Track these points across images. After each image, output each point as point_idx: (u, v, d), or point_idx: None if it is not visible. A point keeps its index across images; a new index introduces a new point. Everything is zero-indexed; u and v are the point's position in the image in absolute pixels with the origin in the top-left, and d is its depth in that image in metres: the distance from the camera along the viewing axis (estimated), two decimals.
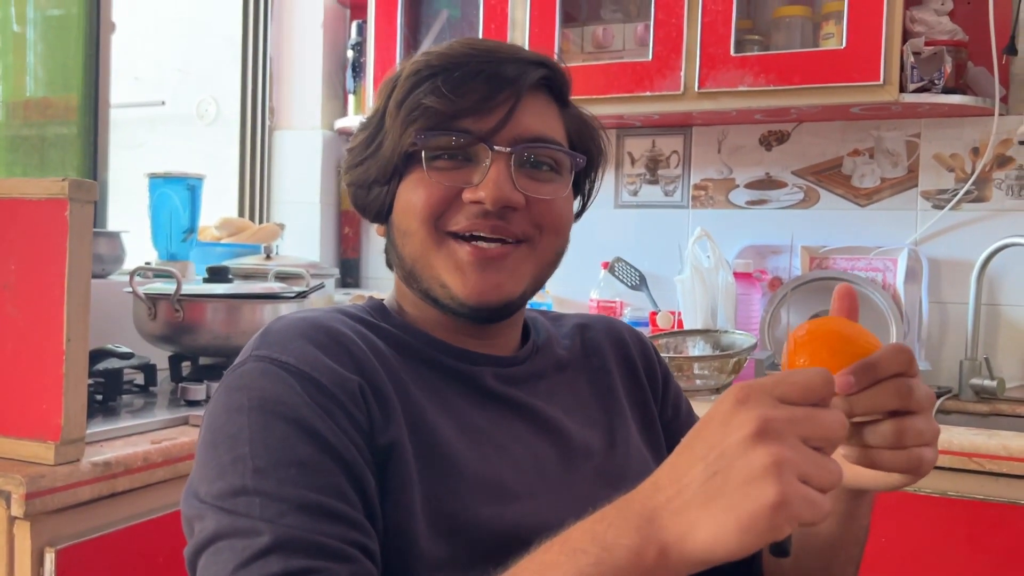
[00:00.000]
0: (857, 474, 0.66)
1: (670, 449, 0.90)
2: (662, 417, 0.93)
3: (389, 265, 0.86)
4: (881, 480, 0.65)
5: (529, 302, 0.84)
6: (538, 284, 0.82)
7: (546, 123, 0.80)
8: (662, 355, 1.00)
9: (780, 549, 0.53)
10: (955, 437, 1.45)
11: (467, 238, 0.77)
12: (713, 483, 0.51)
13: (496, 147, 0.76)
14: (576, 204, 0.88)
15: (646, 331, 2.12)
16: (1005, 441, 1.44)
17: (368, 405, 0.71)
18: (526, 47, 2.16)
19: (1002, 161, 1.99)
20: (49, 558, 1.13)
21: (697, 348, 1.98)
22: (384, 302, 0.86)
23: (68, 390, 1.13)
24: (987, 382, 1.91)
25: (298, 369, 0.70)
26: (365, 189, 0.82)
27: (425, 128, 0.76)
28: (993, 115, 1.92)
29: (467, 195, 0.76)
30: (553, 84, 0.82)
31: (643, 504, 0.54)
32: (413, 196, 0.78)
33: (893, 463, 0.60)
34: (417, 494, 0.70)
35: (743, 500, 0.49)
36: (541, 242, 0.80)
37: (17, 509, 1.09)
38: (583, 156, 0.83)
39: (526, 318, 0.90)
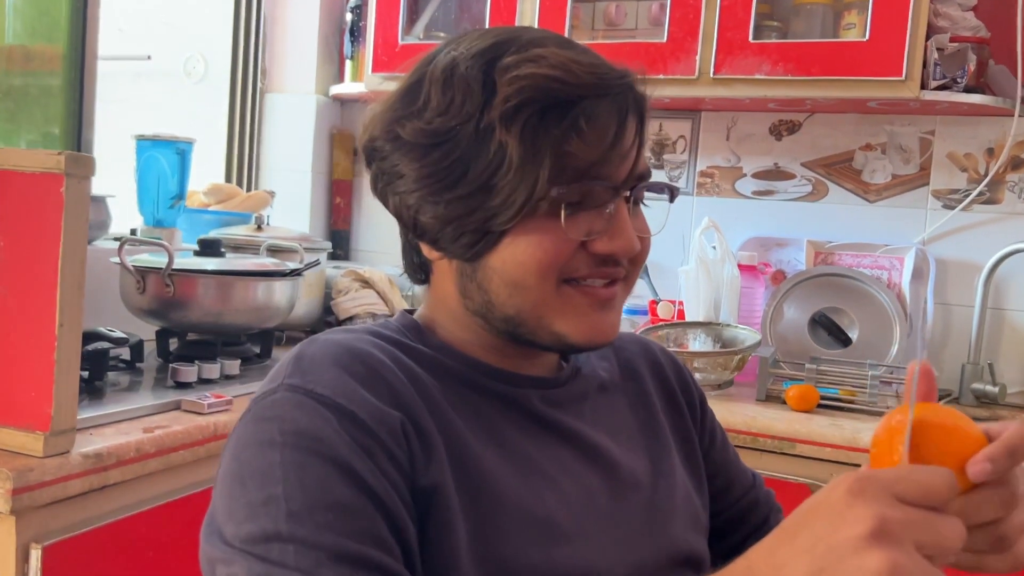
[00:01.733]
0: None
1: (708, 479, 0.88)
2: (701, 443, 0.88)
3: (418, 279, 0.79)
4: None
5: None
6: None
7: (643, 151, 0.73)
8: (665, 347, 0.95)
9: None
10: None
11: (576, 280, 0.71)
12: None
13: (620, 191, 0.70)
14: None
15: (645, 320, 2.07)
16: None
17: (409, 443, 0.65)
18: (536, 22, 2.10)
19: (1017, 163, 1.95)
20: (35, 555, 1.06)
21: (698, 341, 1.94)
22: (417, 318, 0.79)
23: (60, 378, 1.06)
24: (988, 387, 1.89)
25: (335, 403, 0.64)
26: (453, 229, 0.70)
27: (571, 180, 0.67)
28: (1012, 116, 1.88)
29: (600, 247, 0.69)
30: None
31: None
32: (537, 251, 0.68)
33: (1000, 565, 0.57)
34: (463, 536, 0.65)
35: None
36: (632, 275, 0.75)
37: (3, 504, 1.03)
38: (678, 189, 0.79)
39: None
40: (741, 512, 0.90)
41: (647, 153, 0.76)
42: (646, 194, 0.74)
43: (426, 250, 0.74)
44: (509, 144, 0.66)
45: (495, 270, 0.70)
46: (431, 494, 0.65)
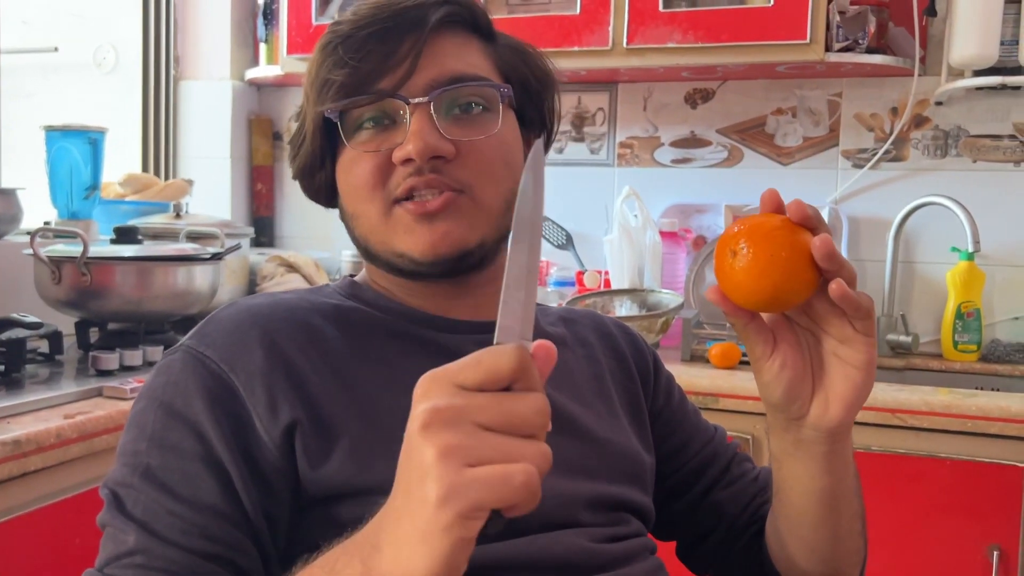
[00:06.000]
0: (825, 406, 0.68)
1: (659, 438, 0.90)
2: (654, 405, 0.91)
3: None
4: (844, 389, 0.68)
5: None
6: (498, 232, 0.77)
7: (463, 60, 0.76)
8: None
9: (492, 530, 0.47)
10: (878, 393, 1.49)
11: (408, 199, 0.74)
12: (400, 495, 0.49)
13: (413, 100, 0.73)
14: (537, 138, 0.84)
15: (572, 291, 2.10)
16: (926, 396, 1.48)
17: (292, 412, 0.68)
18: None
19: (919, 121, 2.03)
20: None
21: (624, 307, 1.98)
22: (357, 278, 0.84)
23: None
24: (903, 338, 1.96)
25: (217, 368, 0.69)
26: (309, 178, 0.80)
27: (336, 101, 0.74)
28: (912, 76, 1.95)
29: (396, 154, 0.73)
30: (465, 19, 0.78)
31: (373, 529, 0.52)
32: (349, 176, 0.76)
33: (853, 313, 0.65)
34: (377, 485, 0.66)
35: (416, 505, 0.46)
36: (482, 190, 0.75)
37: None
38: (507, 86, 0.78)
39: None
40: (701, 464, 0.92)
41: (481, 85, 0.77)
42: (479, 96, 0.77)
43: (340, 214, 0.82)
44: (304, 90, 0.78)
45: (344, 207, 0.79)
46: (331, 450, 0.68)
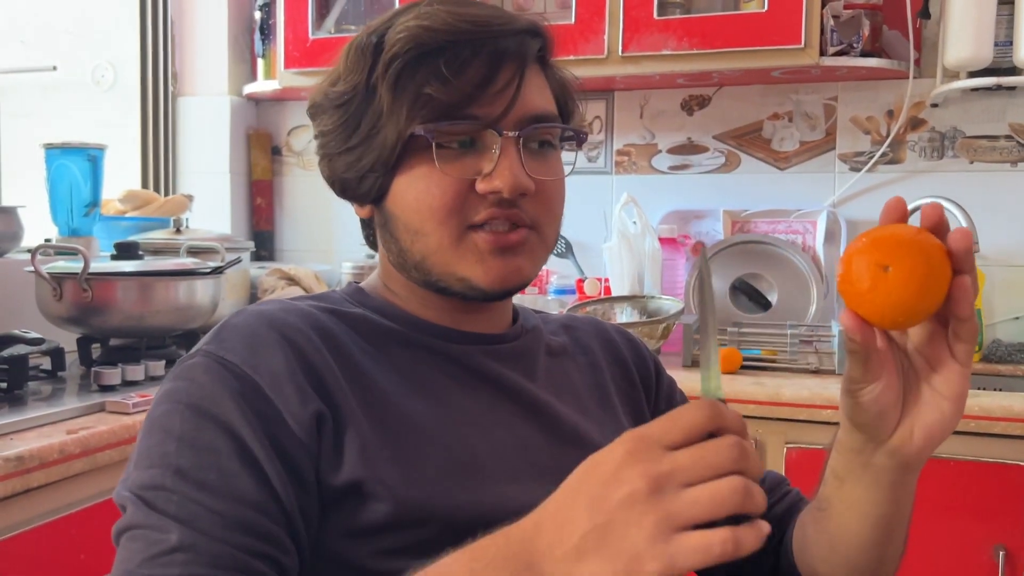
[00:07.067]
0: (906, 438, 0.65)
1: None
2: (656, 411, 0.91)
3: (372, 246, 0.83)
4: (928, 424, 0.65)
5: None
6: (545, 263, 0.81)
7: (544, 96, 0.77)
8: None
9: None
10: None
11: (482, 225, 0.74)
12: (595, 536, 0.50)
13: (504, 132, 0.73)
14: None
15: (573, 299, 2.11)
16: None
17: (314, 406, 0.68)
18: None
19: (915, 123, 2.03)
20: None
21: (625, 314, 1.98)
22: (363, 284, 0.83)
23: None
24: None
25: (241, 371, 0.68)
26: (356, 178, 0.77)
27: (433, 119, 0.72)
28: (907, 78, 1.96)
29: (481, 186, 0.73)
30: (545, 52, 0.78)
31: (523, 547, 0.53)
32: (422, 194, 0.74)
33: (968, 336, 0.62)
34: (384, 491, 0.67)
35: (617, 555, 0.49)
36: (547, 228, 0.77)
37: None
38: (585, 132, 0.81)
39: (513, 304, 0.87)
40: None
41: (549, 100, 0.78)
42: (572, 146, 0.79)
43: (356, 209, 0.81)
44: (383, 93, 0.73)
45: (397, 217, 0.76)
46: (343, 449, 0.68)
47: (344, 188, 0.79)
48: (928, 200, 1.90)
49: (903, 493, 0.70)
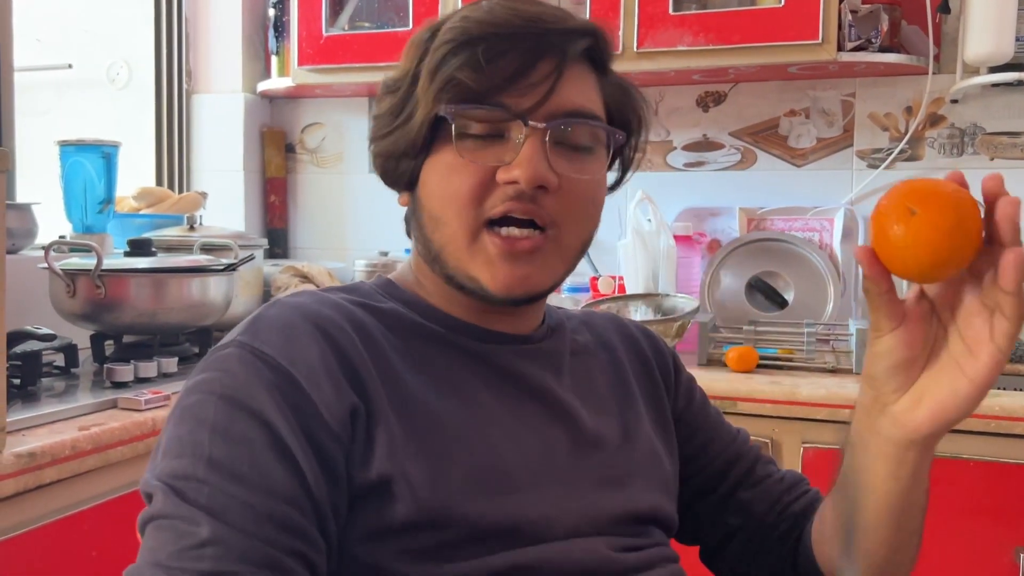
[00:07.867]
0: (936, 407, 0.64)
1: (682, 440, 0.89)
2: (675, 407, 0.90)
3: (408, 234, 0.82)
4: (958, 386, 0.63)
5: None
6: (568, 270, 0.78)
7: (586, 95, 0.74)
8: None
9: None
10: None
11: (499, 223, 0.73)
12: None
13: (532, 123, 0.71)
14: (613, 176, 0.83)
15: (587, 297, 2.09)
16: None
17: (349, 400, 0.67)
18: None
19: (935, 120, 2.01)
20: None
21: (640, 312, 1.96)
22: (393, 277, 0.83)
23: None
24: None
25: (276, 362, 0.66)
26: (394, 161, 0.78)
27: (458, 102, 0.71)
28: (926, 74, 1.94)
29: (501, 175, 0.72)
30: (596, 53, 0.76)
31: None
32: (445, 182, 0.74)
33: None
34: (407, 490, 0.66)
35: None
36: (568, 229, 0.75)
37: None
38: (623, 132, 0.78)
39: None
40: (725, 464, 0.91)
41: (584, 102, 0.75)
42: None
43: (398, 200, 0.81)
44: (423, 79, 0.74)
45: (423, 205, 0.76)
46: (374, 445, 0.67)
47: (384, 173, 0.80)
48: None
49: (907, 474, 0.68)
